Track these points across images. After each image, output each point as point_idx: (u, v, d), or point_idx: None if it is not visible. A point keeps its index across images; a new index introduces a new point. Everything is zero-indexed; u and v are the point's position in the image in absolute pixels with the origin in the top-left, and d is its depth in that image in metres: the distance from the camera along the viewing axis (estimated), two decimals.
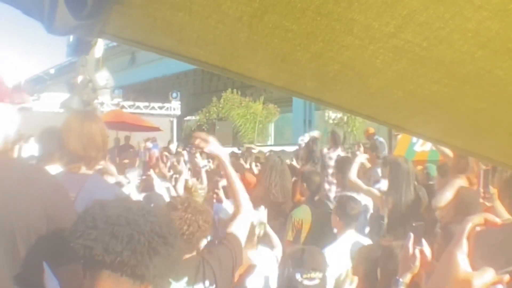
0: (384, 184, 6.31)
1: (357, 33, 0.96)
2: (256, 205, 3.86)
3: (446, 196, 4.84)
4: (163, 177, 10.65)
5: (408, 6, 0.90)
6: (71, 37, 5.74)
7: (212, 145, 2.84)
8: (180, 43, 1.06)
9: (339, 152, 8.38)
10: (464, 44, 1.00)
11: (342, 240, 4.56)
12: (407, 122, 1.33)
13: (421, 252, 1.87)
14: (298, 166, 8.72)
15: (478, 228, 1.01)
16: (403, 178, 5.38)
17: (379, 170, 7.35)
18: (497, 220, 1.00)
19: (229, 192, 2.93)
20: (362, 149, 8.63)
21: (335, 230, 4.80)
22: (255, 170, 8.94)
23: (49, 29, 1.20)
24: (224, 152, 2.86)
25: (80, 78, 8.70)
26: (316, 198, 5.78)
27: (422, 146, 9.91)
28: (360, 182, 5.74)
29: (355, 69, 1.07)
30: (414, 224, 4.84)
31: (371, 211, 6.03)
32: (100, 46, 9.24)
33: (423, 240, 1.99)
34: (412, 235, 2.32)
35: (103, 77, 8.85)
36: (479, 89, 1.10)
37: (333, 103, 1.23)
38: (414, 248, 2.02)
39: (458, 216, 4.13)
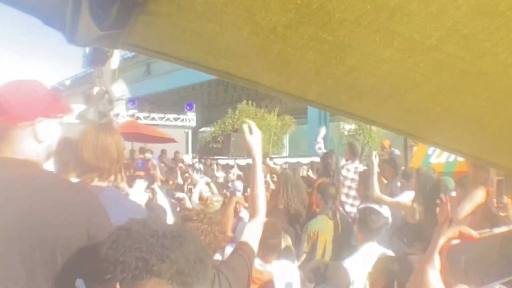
0: (405, 197, 6.23)
1: (397, 46, 0.91)
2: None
3: (466, 208, 4.75)
4: (178, 188, 10.66)
5: (453, 17, 0.85)
6: (87, 48, 5.77)
7: (256, 137, 2.76)
8: (209, 54, 1.01)
9: (357, 164, 8.29)
10: (508, 57, 0.94)
11: (362, 252, 4.51)
12: (442, 138, 1.27)
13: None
14: (314, 177, 8.66)
15: (454, 242, 0.94)
16: (433, 188, 5.36)
17: (398, 183, 7.26)
18: (474, 234, 0.92)
19: (250, 194, 2.85)
20: (377, 160, 8.52)
21: (353, 241, 4.76)
22: (271, 183, 8.86)
23: (70, 40, 1.16)
24: (260, 150, 2.75)
25: (96, 90, 8.68)
26: (332, 209, 5.73)
27: (438, 158, 9.79)
28: (385, 197, 5.69)
29: (392, 83, 1.01)
30: None
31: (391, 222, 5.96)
32: (116, 58, 9.24)
33: None
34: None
35: (119, 88, 8.85)
36: None
37: (367, 118, 1.18)
38: None
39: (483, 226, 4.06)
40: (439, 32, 0.88)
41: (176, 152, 18.43)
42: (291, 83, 1.04)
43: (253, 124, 2.76)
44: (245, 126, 2.73)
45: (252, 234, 2.68)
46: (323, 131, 9.56)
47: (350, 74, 0.98)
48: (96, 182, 2.81)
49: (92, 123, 5.00)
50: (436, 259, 0.93)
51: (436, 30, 0.87)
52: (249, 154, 2.76)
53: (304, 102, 1.13)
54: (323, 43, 0.90)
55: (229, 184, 10.85)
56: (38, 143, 2.04)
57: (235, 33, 0.91)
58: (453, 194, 6.46)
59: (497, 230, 0.95)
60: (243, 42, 0.93)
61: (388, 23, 0.86)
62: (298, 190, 6.14)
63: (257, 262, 3.66)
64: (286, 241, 4.52)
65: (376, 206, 5.39)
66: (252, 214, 2.77)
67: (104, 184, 2.86)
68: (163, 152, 17.50)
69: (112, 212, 2.33)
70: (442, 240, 0.93)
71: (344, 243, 5.49)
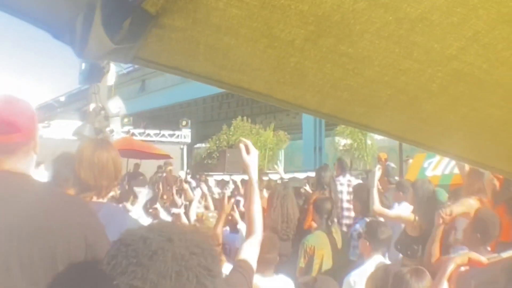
0: (403, 209, 6.22)
1: (416, 56, 0.89)
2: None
3: (454, 210, 4.71)
4: (174, 204, 10.59)
5: (474, 27, 0.84)
6: (83, 64, 5.74)
7: (253, 156, 2.74)
8: (222, 69, 0.99)
9: (349, 177, 8.28)
10: None
11: (369, 265, 4.44)
12: (454, 147, 1.26)
13: None
14: (310, 192, 8.64)
15: (462, 269, 0.93)
16: (431, 199, 5.37)
17: (393, 194, 7.26)
18: (483, 259, 0.91)
19: (247, 211, 2.81)
20: (379, 172, 8.49)
21: (352, 256, 4.74)
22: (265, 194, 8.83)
23: (79, 53, 1.14)
24: (256, 169, 2.73)
25: (92, 106, 8.65)
26: (329, 224, 5.70)
27: (434, 171, 9.80)
28: (386, 210, 5.68)
29: (410, 93, 1.00)
30: None
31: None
32: (112, 74, 9.22)
33: None
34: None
35: (115, 105, 8.83)
36: None
37: (381, 130, 1.16)
38: None
39: (475, 236, 4.11)
40: (459, 42, 0.87)
41: (167, 163, 18.35)
42: (307, 96, 1.03)
43: (249, 143, 2.74)
44: (242, 146, 2.70)
45: (250, 252, 2.65)
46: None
47: (367, 86, 0.97)
48: (95, 199, 2.78)
49: (87, 140, 4.98)
50: (445, 286, 0.92)
51: (456, 40, 0.86)
52: (246, 172, 2.73)
53: (318, 115, 1.12)
54: (342, 55, 0.88)
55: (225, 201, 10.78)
56: (35, 156, 2.07)
57: (251, 47, 0.90)
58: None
59: (505, 255, 0.95)
60: (259, 56, 0.91)
61: (408, 34, 0.85)
62: (283, 202, 6.11)
63: (256, 277, 3.63)
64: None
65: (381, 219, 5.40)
66: (250, 232, 2.72)
67: (103, 200, 2.83)
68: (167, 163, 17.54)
69: (111, 229, 2.32)
70: (451, 267, 0.92)
71: (342, 258, 5.46)
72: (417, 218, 5.27)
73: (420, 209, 5.35)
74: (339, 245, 5.60)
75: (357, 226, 5.88)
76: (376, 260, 4.48)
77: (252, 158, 2.67)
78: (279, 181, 15.72)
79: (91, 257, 1.92)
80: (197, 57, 0.98)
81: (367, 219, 5.49)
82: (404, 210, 6.06)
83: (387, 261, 4.66)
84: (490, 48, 0.89)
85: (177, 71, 1.06)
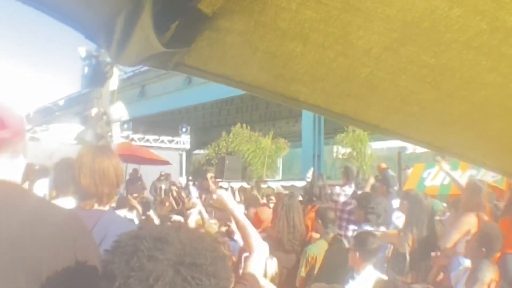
0: (397, 216, 6.26)
1: (503, 70, 0.80)
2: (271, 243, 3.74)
3: (453, 237, 4.81)
4: (173, 211, 10.53)
5: None
6: (86, 68, 5.67)
7: (225, 200, 2.78)
8: (279, 79, 0.89)
9: (354, 188, 8.18)
10: None
11: (363, 277, 4.41)
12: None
13: None
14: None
15: None
16: (424, 214, 5.31)
17: (392, 202, 7.21)
18: None
19: (241, 235, 2.83)
20: (372, 181, 8.43)
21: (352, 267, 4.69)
22: (270, 205, 8.74)
23: (116, 57, 1.04)
24: (230, 198, 2.78)
25: (94, 111, 8.55)
26: (331, 234, 5.63)
27: (433, 181, 9.79)
28: None
29: (485, 109, 0.91)
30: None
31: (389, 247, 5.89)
32: (115, 79, 9.12)
33: None
34: None
35: (117, 110, 8.70)
36: None
37: (443, 148, 1.06)
38: None
39: (480, 250, 4.10)
40: None
41: (168, 175, 18.29)
42: (370, 111, 0.93)
43: (219, 196, 2.80)
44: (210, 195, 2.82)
45: (255, 266, 2.61)
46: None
47: (442, 100, 0.88)
48: (96, 207, 2.69)
49: (88, 146, 4.89)
50: None
51: None
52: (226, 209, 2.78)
53: (373, 130, 1.02)
54: (422, 66, 0.79)
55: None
56: (24, 159, 1.99)
57: (319, 54, 0.80)
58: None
59: None
60: (326, 65, 0.82)
61: (500, 45, 0.75)
62: (288, 212, 6.05)
63: None
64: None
65: (373, 229, 5.33)
66: (249, 251, 2.70)
67: (104, 208, 2.73)
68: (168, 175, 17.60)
69: (111, 238, 2.27)
70: None
71: (342, 268, 5.39)
72: (402, 234, 5.27)
73: (410, 223, 5.35)
74: (340, 255, 5.53)
75: None
76: (369, 272, 4.43)
77: (220, 196, 2.76)
78: (276, 190, 15.68)
79: (81, 270, 1.84)
80: (251, 65, 0.88)
81: (366, 229, 5.40)
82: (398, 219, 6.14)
83: (379, 273, 4.57)
84: None
85: (224, 79, 0.96)
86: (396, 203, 6.82)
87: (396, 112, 0.92)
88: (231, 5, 0.77)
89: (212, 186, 2.71)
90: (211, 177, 14.15)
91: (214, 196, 2.80)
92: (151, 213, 7.33)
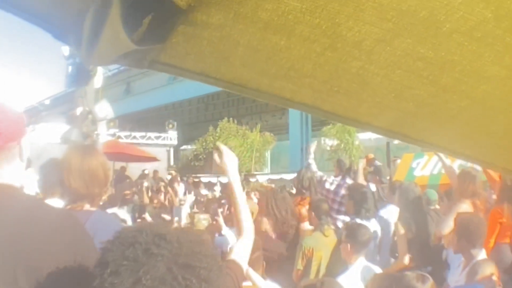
0: (389, 210, 6.26)
1: (507, 62, 0.73)
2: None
3: (449, 224, 4.73)
4: (163, 208, 10.50)
5: None
6: (70, 67, 5.55)
7: (228, 159, 2.64)
8: (262, 75, 0.82)
9: (347, 180, 8.16)
10: None
11: (354, 269, 4.43)
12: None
13: None
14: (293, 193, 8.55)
15: None
16: (414, 204, 5.38)
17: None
18: None
19: (234, 215, 2.75)
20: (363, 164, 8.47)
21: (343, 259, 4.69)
22: (255, 199, 8.73)
23: (87, 57, 0.96)
24: (234, 171, 2.63)
25: (79, 110, 8.46)
26: (325, 226, 5.61)
27: (422, 171, 9.82)
28: None
29: (486, 104, 0.84)
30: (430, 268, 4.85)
31: (379, 237, 5.96)
32: (99, 77, 9.04)
33: None
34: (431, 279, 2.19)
35: (103, 108, 8.62)
36: None
37: (438, 145, 1.00)
38: None
39: (462, 242, 4.10)
40: None
41: (155, 171, 18.25)
42: (361, 108, 0.86)
43: (223, 147, 2.66)
44: (215, 155, 2.64)
45: (240, 253, 2.57)
46: (313, 146, 9.42)
47: (439, 96, 0.81)
48: (87, 208, 2.66)
49: (74, 146, 4.85)
50: None
51: None
52: (226, 176, 2.65)
53: (366, 129, 0.95)
54: (418, 59, 0.72)
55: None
56: (21, 162, 1.97)
57: (305, 48, 0.73)
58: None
59: None
60: (313, 60, 0.74)
61: (505, 35, 0.68)
62: (285, 205, 6.03)
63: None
64: None
65: (363, 221, 5.35)
66: (239, 233, 2.66)
67: (93, 208, 2.71)
68: (156, 172, 17.57)
69: (101, 236, 2.24)
70: None
71: (338, 260, 5.38)
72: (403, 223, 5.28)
73: (405, 212, 5.38)
74: (336, 246, 5.53)
75: None
76: (360, 263, 4.45)
77: (226, 161, 2.61)
78: (265, 183, 15.67)
79: (80, 268, 1.82)
80: (232, 61, 0.81)
81: (356, 221, 5.42)
82: (390, 212, 6.15)
83: (371, 265, 4.59)
84: None
85: (203, 77, 0.89)
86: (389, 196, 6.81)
87: (389, 109, 0.85)
88: None
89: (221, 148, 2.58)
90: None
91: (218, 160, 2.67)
92: (147, 216, 7.32)
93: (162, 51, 0.85)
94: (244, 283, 2.79)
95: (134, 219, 7.22)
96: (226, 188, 2.80)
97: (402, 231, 5.21)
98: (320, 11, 0.65)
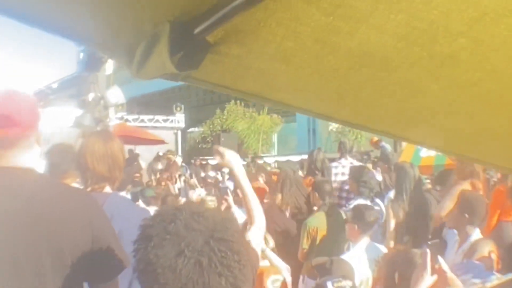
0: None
1: (442, 84, 1.02)
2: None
3: (447, 205, 4.82)
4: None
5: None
6: (81, 53, 5.70)
7: (229, 157, 2.79)
8: (267, 88, 1.12)
9: (351, 160, 8.28)
10: None
11: (358, 248, 4.57)
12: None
13: (439, 269, 1.94)
14: (302, 175, 8.67)
15: None
16: (410, 182, 5.39)
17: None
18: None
19: (243, 204, 2.87)
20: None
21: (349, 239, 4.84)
22: (261, 180, 8.88)
23: (135, 74, 1.26)
24: (239, 167, 2.74)
25: (91, 96, 8.68)
26: (329, 206, 5.75)
27: (428, 152, 9.72)
28: None
29: (435, 109, 1.13)
30: (430, 243, 4.91)
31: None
32: (110, 63, 9.22)
33: (440, 258, 2.05)
34: (429, 252, 2.36)
35: (114, 94, 8.85)
36: None
37: (411, 139, 1.29)
38: (432, 265, 2.09)
39: (462, 217, 4.17)
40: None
41: (169, 152, 18.27)
42: (342, 112, 1.16)
43: (221, 149, 2.75)
44: (217, 158, 2.76)
45: (254, 239, 2.61)
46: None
47: (398, 104, 1.10)
48: (107, 190, 2.81)
49: (89, 131, 4.95)
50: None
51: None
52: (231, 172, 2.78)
53: (348, 125, 1.25)
54: (379, 80, 1.01)
55: (220, 184, 10.88)
56: (39, 148, 2.08)
57: (299, 72, 1.03)
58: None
59: (489, 284, 1.04)
60: (304, 79, 1.04)
61: (438, 67, 0.97)
62: (299, 187, 6.24)
63: None
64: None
65: (368, 202, 5.52)
66: (250, 222, 2.75)
67: (110, 191, 2.84)
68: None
69: (118, 218, 2.38)
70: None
71: (341, 239, 5.49)
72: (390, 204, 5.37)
73: (398, 193, 5.45)
74: (339, 226, 5.62)
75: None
76: (364, 242, 4.57)
77: (229, 159, 2.74)
78: (273, 164, 15.73)
79: (98, 247, 1.98)
80: (246, 79, 1.11)
81: (363, 202, 5.54)
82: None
83: (376, 244, 4.74)
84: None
85: (225, 89, 1.19)
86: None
87: (363, 113, 1.16)
88: (229, 37, 0.99)
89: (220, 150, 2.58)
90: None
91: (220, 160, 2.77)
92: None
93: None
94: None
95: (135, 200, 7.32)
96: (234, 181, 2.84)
97: (391, 214, 5.29)
98: (308, 50, 0.95)
